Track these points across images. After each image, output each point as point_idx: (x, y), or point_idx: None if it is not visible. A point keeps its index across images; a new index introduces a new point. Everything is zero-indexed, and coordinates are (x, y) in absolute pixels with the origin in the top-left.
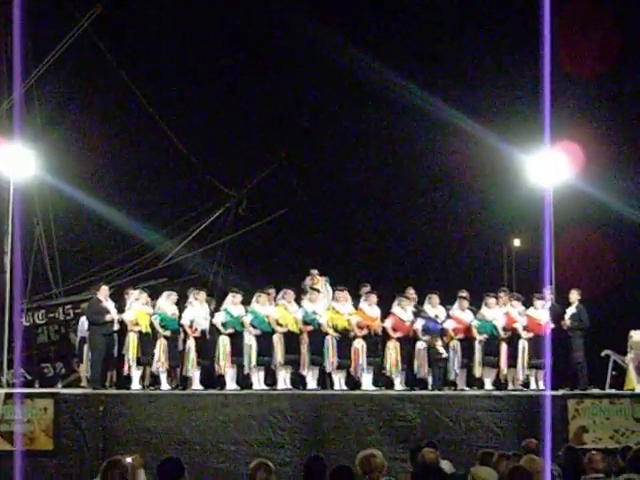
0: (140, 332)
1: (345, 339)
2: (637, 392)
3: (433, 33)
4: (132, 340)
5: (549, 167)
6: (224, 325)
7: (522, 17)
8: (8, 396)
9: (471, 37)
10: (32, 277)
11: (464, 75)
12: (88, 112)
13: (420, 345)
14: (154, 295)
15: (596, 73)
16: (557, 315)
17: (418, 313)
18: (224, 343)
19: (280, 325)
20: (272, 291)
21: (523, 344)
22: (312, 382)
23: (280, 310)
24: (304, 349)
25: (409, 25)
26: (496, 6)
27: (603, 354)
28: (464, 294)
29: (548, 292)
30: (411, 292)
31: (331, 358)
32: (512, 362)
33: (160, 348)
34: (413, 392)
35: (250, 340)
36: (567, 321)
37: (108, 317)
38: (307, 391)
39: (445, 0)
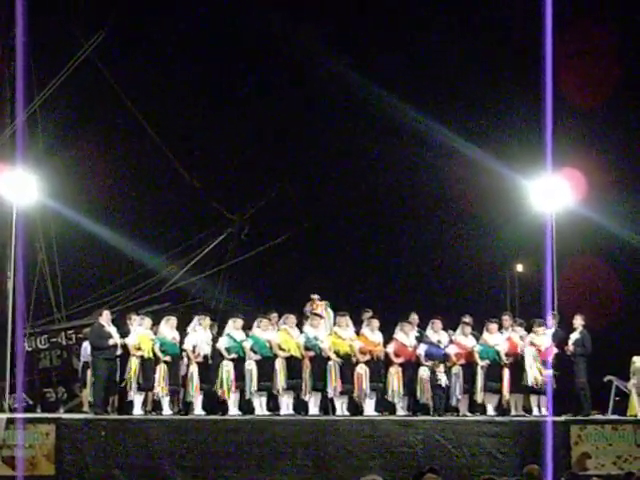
0: (142, 357)
1: (347, 364)
2: None
3: (436, 59)
4: (134, 365)
5: (551, 193)
6: (228, 350)
7: (524, 46)
8: (10, 421)
9: (474, 64)
10: (34, 302)
11: (467, 102)
12: (91, 137)
13: (423, 371)
14: (157, 320)
15: (597, 102)
16: (560, 341)
17: (421, 338)
18: (227, 368)
19: (282, 350)
20: (274, 316)
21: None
22: (314, 408)
23: (282, 335)
24: (306, 374)
25: (411, 51)
26: (499, 35)
27: (605, 380)
28: (467, 319)
29: (551, 318)
30: (414, 317)
31: (333, 383)
32: (514, 388)
33: (160, 373)
34: (415, 418)
35: (250, 365)
36: (570, 346)
37: (111, 342)
38: (309, 417)
39: (448, 27)
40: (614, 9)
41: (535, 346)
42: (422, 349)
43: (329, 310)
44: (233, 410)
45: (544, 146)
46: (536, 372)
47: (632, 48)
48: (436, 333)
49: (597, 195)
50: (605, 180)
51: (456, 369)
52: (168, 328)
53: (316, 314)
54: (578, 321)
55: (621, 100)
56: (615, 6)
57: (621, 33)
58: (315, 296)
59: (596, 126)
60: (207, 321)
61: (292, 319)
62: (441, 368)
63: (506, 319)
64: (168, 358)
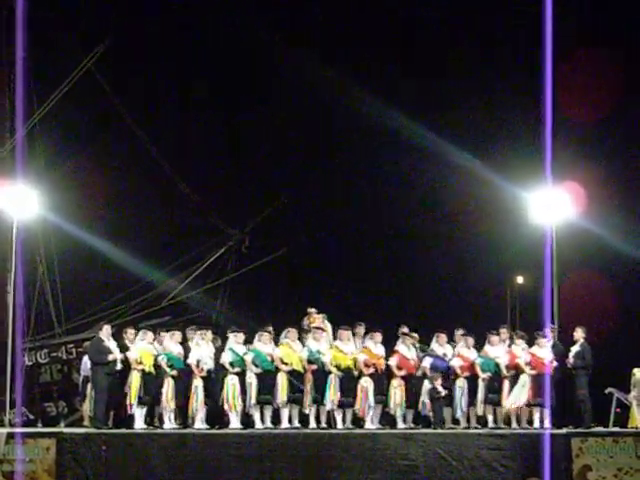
0: (143, 371)
1: (348, 378)
2: None
3: (437, 72)
4: (135, 379)
5: (551, 205)
6: (232, 364)
7: (525, 60)
8: (10, 436)
9: (475, 77)
10: (35, 316)
11: (467, 115)
12: (91, 151)
13: (427, 384)
14: (160, 334)
15: (597, 116)
16: (560, 353)
17: (425, 351)
18: (233, 382)
19: (285, 364)
20: (270, 330)
21: (524, 380)
22: (315, 421)
23: (284, 349)
24: (308, 388)
25: (412, 64)
26: (500, 50)
27: (606, 392)
28: (463, 332)
29: (549, 331)
30: (405, 329)
31: (332, 396)
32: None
33: (168, 388)
34: (416, 430)
35: (250, 378)
36: (571, 359)
37: (111, 357)
38: (309, 430)
39: (450, 41)
40: (614, 26)
41: (537, 358)
42: (427, 362)
43: (327, 323)
44: (235, 424)
45: (544, 159)
46: (515, 399)
47: (631, 64)
48: (441, 346)
49: (597, 208)
50: (605, 193)
51: (461, 382)
52: (173, 342)
53: (318, 328)
54: (579, 334)
55: (621, 114)
56: (615, 23)
57: (621, 49)
58: (312, 310)
59: (596, 140)
60: (209, 335)
61: (294, 333)
62: (439, 381)
63: (503, 332)
64: (174, 372)
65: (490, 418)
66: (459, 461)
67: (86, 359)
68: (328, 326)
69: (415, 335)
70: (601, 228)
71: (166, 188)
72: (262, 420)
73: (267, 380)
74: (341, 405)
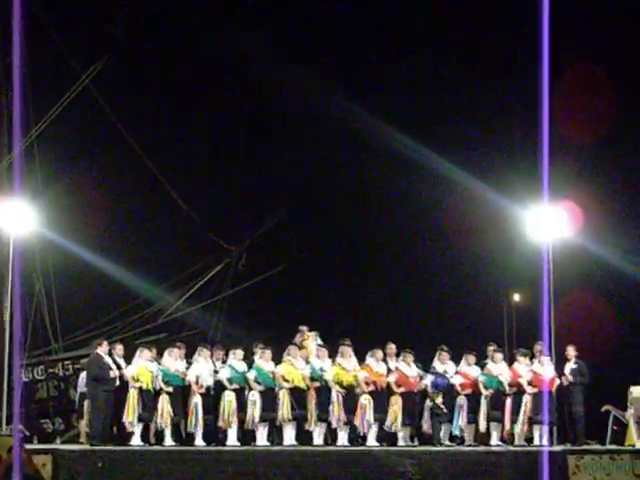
0: (141, 388)
1: (350, 395)
2: (637, 448)
3: (433, 89)
4: (132, 396)
5: (548, 223)
6: (230, 381)
7: (523, 80)
8: (8, 450)
9: (472, 96)
10: (32, 332)
11: (465, 133)
12: (88, 168)
13: (429, 401)
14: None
15: (593, 137)
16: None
17: (427, 369)
18: (229, 399)
19: (287, 381)
20: (261, 346)
21: (526, 399)
22: (319, 438)
23: (286, 366)
24: (311, 405)
25: (409, 82)
26: (496, 67)
27: (603, 410)
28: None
29: (539, 347)
30: (391, 347)
31: (337, 414)
32: (515, 418)
33: (163, 404)
34: (415, 448)
35: (254, 396)
36: (568, 376)
37: (112, 374)
38: (309, 447)
39: (447, 59)
40: (611, 47)
41: (537, 376)
42: (429, 380)
43: (319, 340)
44: (232, 441)
45: (541, 177)
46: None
47: (628, 84)
48: (443, 364)
49: (593, 226)
50: (601, 212)
51: (460, 399)
52: (172, 359)
53: (322, 346)
54: (571, 352)
55: (617, 134)
56: (612, 44)
57: (618, 70)
58: (304, 327)
59: (592, 159)
60: (206, 352)
61: (295, 350)
62: (439, 398)
63: (490, 350)
64: (170, 389)
65: (494, 435)
66: (457, 479)
67: (83, 375)
68: (319, 343)
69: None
70: (597, 246)
71: (164, 205)
72: (262, 437)
73: (268, 397)
74: (345, 423)
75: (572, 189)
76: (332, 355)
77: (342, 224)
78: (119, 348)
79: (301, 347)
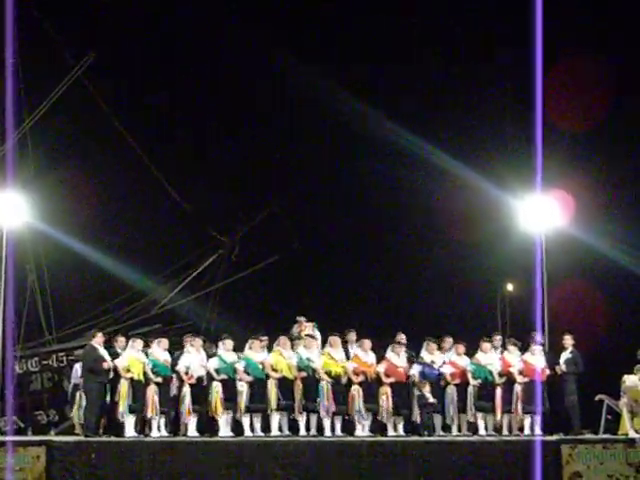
0: (132, 379)
1: (339, 385)
2: (631, 437)
3: (427, 81)
4: (124, 387)
5: (541, 213)
6: (217, 371)
7: (515, 70)
8: (0, 444)
9: (465, 86)
10: (25, 324)
11: (458, 122)
12: (81, 159)
13: (416, 391)
14: (149, 342)
15: (585, 126)
16: (549, 360)
17: (415, 359)
18: (217, 390)
19: (275, 371)
20: (265, 338)
21: (517, 389)
22: (305, 428)
23: (275, 356)
24: (298, 395)
25: (403, 73)
26: (488, 57)
27: (597, 399)
28: (448, 338)
29: (540, 337)
30: (402, 337)
31: (326, 404)
32: (507, 407)
33: (151, 394)
34: (406, 438)
35: (242, 386)
36: (562, 366)
37: (105, 365)
38: (301, 437)
39: (441, 51)
40: (603, 38)
41: (528, 365)
42: (416, 370)
43: (316, 331)
44: (225, 431)
45: (534, 167)
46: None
47: (620, 74)
48: (431, 354)
49: (585, 216)
50: (593, 201)
51: (450, 389)
52: (160, 350)
53: (310, 335)
54: (568, 341)
55: (608, 124)
56: (604, 35)
57: (610, 59)
58: (302, 318)
59: (584, 149)
60: (198, 342)
61: (285, 340)
62: (427, 388)
63: (497, 339)
64: (159, 379)
65: (481, 425)
66: (449, 468)
67: (77, 367)
68: (317, 334)
69: (402, 337)
70: (590, 235)
71: (157, 196)
72: (252, 428)
73: (258, 388)
74: (334, 413)
75: (564, 179)
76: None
77: (335, 215)
78: (121, 340)
79: (299, 337)
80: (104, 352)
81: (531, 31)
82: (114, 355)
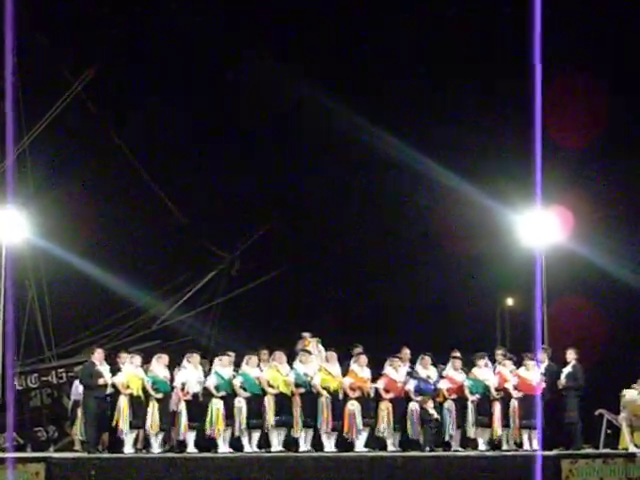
0: (131, 395)
1: (336, 401)
2: (631, 452)
3: (426, 95)
4: (123, 403)
5: (541, 228)
6: (217, 388)
7: (515, 85)
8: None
9: (465, 102)
10: (25, 340)
11: (458, 138)
12: (80, 176)
13: (412, 406)
14: (148, 358)
15: (584, 142)
16: (553, 374)
17: (410, 374)
18: (217, 406)
19: (271, 387)
20: (265, 352)
21: (514, 404)
22: (305, 445)
23: (271, 372)
24: (297, 411)
25: (402, 87)
26: (489, 73)
27: (596, 413)
28: (457, 354)
29: (542, 352)
30: (406, 352)
31: (325, 419)
32: (505, 422)
33: (152, 411)
34: (405, 453)
35: (240, 402)
36: (563, 380)
37: (101, 381)
38: (299, 454)
39: (440, 65)
40: (602, 53)
41: (523, 380)
42: (411, 385)
43: (320, 347)
44: (223, 448)
45: (533, 182)
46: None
47: (618, 90)
48: (425, 369)
49: (585, 231)
50: (592, 216)
51: (448, 404)
52: (160, 366)
53: (306, 350)
54: (571, 355)
55: (608, 140)
56: (603, 50)
57: (609, 76)
58: (306, 334)
59: (583, 165)
60: (196, 358)
61: (281, 356)
62: (430, 403)
63: (499, 354)
64: (160, 396)
65: (481, 440)
66: None
67: (77, 383)
68: (322, 350)
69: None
70: (589, 250)
71: (157, 211)
72: (250, 444)
73: (255, 404)
74: (333, 428)
75: (564, 194)
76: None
77: (335, 230)
78: (123, 356)
79: (301, 352)
80: (104, 368)
81: (530, 48)
82: (118, 371)
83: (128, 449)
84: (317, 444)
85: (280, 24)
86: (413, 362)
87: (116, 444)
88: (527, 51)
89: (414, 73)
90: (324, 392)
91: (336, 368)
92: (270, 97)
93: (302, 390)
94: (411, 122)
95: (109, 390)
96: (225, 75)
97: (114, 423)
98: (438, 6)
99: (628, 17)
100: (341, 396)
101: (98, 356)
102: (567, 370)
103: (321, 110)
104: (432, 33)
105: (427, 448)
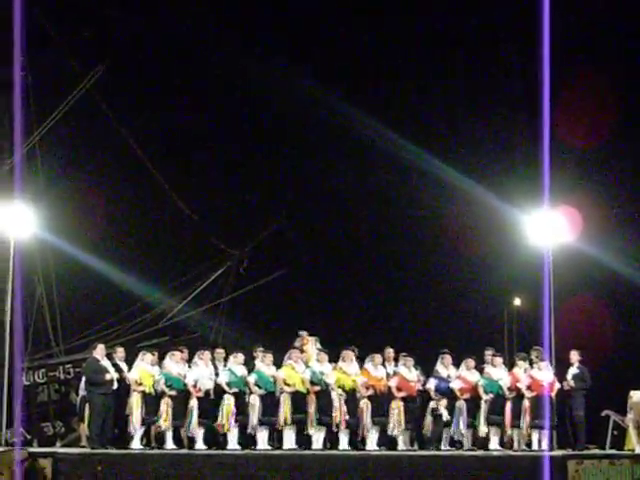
0: (144, 392)
1: (352, 399)
2: (637, 453)
3: (435, 95)
4: (136, 400)
5: (549, 228)
6: (229, 385)
7: (523, 86)
8: None
9: (473, 102)
10: (33, 336)
11: (466, 138)
12: (89, 171)
13: (433, 405)
14: (163, 354)
15: (593, 142)
16: (557, 375)
17: (428, 373)
18: (228, 402)
19: (288, 385)
20: (260, 349)
21: (525, 404)
22: (318, 442)
23: (287, 370)
24: (312, 409)
25: (410, 87)
26: (497, 73)
27: (603, 414)
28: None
29: (535, 353)
30: (389, 351)
31: (339, 418)
32: (516, 422)
33: (165, 407)
34: (416, 452)
35: (254, 400)
36: (570, 381)
37: (108, 376)
38: (311, 451)
39: (450, 66)
40: (611, 52)
41: (535, 380)
42: (432, 384)
43: (318, 345)
44: (233, 444)
45: (542, 182)
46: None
47: (627, 90)
48: (446, 368)
49: (593, 231)
50: (600, 217)
51: (460, 404)
52: (173, 363)
53: (322, 350)
54: (575, 356)
55: (616, 140)
56: (612, 49)
57: (619, 75)
58: (303, 332)
59: (591, 164)
60: (207, 355)
61: (297, 354)
62: (443, 402)
63: (488, 354)
64: (173, 392)
65: (494, 439)
66: None
67: (85, 379)
68: (319, 348)
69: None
70: (597, 250)
71: (166, 208)
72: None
73: (269, 401)
74: (346, 426)
75: (572, 194)
76: (332, 360)
77: (343, 229)
78: (120, 351)
79: (301, 351)
80: (107, 363)
81: (540, 48)
82: (114, 366)
83: (136, 444)
84: (332, 442)
85: (288, 25)
86: (397, 360)
87: (123, 440)
88: (536, 51)
89: (422, 72)
90: (339, 391)
91: (353, 367)
92: (280, 97)
93: (317, 388)
94: (419, 122)
95: (115, 385)
96: (236, 74)
97: (125, 419)
98: (445, 4)
99: (639, 17)
100: (359, 395)
101: (100, 352)
102: (573, 371)
103: (334, 111)
104: (443, 34)
105: (433, 447)
